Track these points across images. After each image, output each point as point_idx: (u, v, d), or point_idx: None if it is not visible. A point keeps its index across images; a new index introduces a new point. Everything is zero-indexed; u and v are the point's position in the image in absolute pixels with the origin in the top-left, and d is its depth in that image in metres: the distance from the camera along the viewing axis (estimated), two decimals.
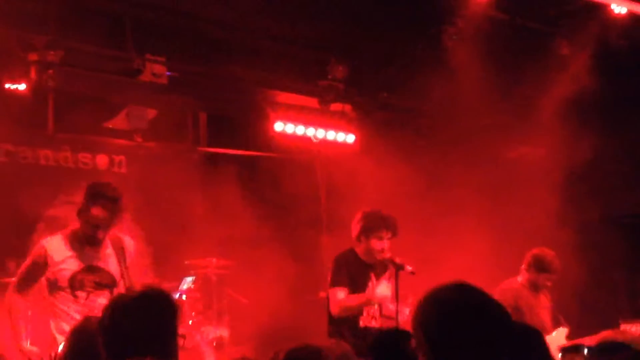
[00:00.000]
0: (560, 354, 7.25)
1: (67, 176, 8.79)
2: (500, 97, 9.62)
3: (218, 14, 8.80)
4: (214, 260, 8.51)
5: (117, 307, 3.27)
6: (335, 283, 6.40)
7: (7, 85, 7.70)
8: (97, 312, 5.41)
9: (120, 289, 5.60)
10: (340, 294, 6.33)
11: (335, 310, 6.37)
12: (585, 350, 6.82)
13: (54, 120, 8.57)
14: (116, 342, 3.17)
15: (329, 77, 9.50)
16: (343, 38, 9.39)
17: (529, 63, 9.36)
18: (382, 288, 6.41)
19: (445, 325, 2.57)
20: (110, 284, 5.69)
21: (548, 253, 7.48)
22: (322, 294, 6.99)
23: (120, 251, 5.81)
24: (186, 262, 8.51)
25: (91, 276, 5.65)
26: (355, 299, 6.31)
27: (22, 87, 7.71)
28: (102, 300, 5.48)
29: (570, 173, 9.43)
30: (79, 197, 8.75)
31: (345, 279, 6.36)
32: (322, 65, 9.50)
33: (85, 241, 5.69)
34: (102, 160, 9.04)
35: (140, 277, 6.00)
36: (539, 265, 7.43)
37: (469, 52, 8.94)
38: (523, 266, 7.52)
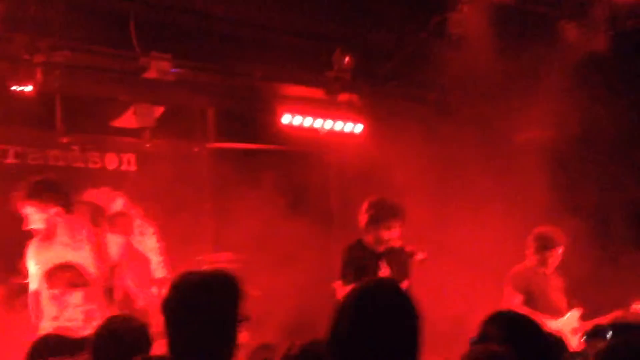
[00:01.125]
0: (584, 338, 7.24)
1: (76, 176, 8.83)
2: (508, 82, 9.59)
3: (222, 9, 8.80)
4: (226, 255, 8.52)
5: (183, 286, 3.14)
6: (342, 276, 6.42)
7: (13, 88, 7.72)
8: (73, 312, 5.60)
9: None
10: (346, 289, 6.33)
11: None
12: (609, 335, 6.81)
13: (62, 121, 8.59)
14: (179, 322, 3.05)
15: (335, 67, 9.49)
16: (348, 28, 9.38)
17: (536, 47, 9.32)
18: None
19: (344, 325, 2.57)
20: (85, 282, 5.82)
21: (549, 229, 7.48)
22: (333, 284, 7.00)
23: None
24: (198, 258, 8.53)
25: None
26: None
27: (28, 89, 7.72)
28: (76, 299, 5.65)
29: (581, 155, 9.40)
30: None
31: (351, 274, 6.34)
32: (328, 56, 9.49)
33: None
34: (111, 159, 9.07)
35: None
36: (545, 243, 7.42)
37: (474, 38, 8.92)
38: (529, 250, 7.51)
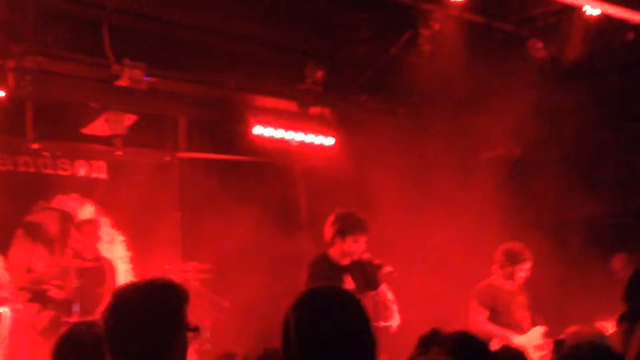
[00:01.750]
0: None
1: (46, 182, 8.80)
2: (476, 98, 9.71)
3: (196, 19, 8.84)
4: (194, 264, 8.53)
5: (119, 300, 3.01)
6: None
7: None
8: None
9: None
10: None
11: None
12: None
13: (33, 127, 8.56)
14: (120, 338, 2.93)
15: (307, 80, 9.55)
16: (321, 42, 9.46)
17: (504, 64, 9.45)
18: None
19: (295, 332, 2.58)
20: None
21: (516, 244, 7.56)
22: None
23: None
24: (167, 267, 8.53)
25: None
26: None
27: (0, 94, 7.70)
28: None
29: (546, 174, 9.52)
30: (58, 203, 8.83)
31: None
32: (301, 69, 9.55)
33: None
34: (81, 165, 9.05)
35: None
36: (512, 258, 7.49)
37: (445, 54, 9.02)
38: (495, 265, 7.58)
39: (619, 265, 9.43)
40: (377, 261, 6.47)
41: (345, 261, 6.49)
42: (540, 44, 9.19)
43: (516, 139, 9.82)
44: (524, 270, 7.53)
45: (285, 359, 2.59)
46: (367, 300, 6.54)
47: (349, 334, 2.56)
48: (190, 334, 3.02)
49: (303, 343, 2.56)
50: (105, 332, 2.97)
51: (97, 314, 7.76)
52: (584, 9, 8.55)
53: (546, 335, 7.48)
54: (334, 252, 6.51)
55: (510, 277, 7.54)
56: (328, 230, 6.53)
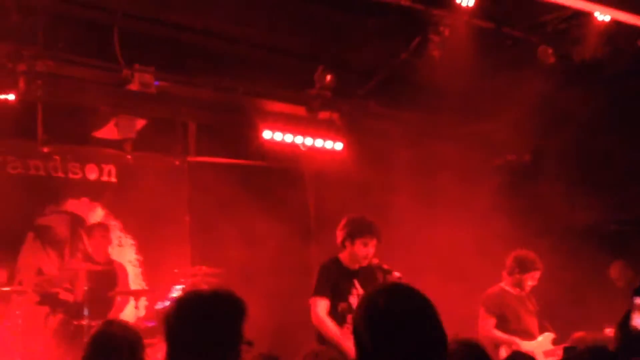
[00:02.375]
0: None
1: (56, 186, 8.83)
2: (485, 105, 9.71)
3: (206, 25, 8.87)
4: (204, 268, 8.54)
5: (184, 304, 3.12)
6: (316, 292, 6.44)
7: None
8: None
9: None
10: (321, 304, 6.37)
11: (313, 321, 6.42)
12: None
13: (43, 130, 8.58)
14: (180, 340, 3.03)
15: (317, 85, 9.57)
16: (330, 47, 9.47)
17: (514, 71, 9.45)
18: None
19: (370, 331, 2.52)
20: None
21: (528, 252, 7.57)
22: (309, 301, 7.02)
23: None
24: (176, 270, 8.54)
25: None
26: (330, 331, 6.27)
27: (11, 97, 7.73)
28: None
29: (555, 180, 9.51)
30: (68, 206, 8.85)
31: (327, 289, 6.39)
32: (310, 74, 9.57)
33: None
34: (91, 169, 9.07)
35: None
36: (523, 266, 7.50)
37: (454, 60, 9.03)
38: (505, 272, 7.58)
39: (616, 273, 9.43)
40: (386, 266, 6.49)
41: (355, 265, 6.51)
42: (550, 50, 9.20)
43: (526, 145, 9.81)
44: (533, 279, 7.53)
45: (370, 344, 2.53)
46: None
47: (426, 332, 2.53)
48: (244, 347, 3.12)
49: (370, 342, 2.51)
50: (167, 335, 3.04)
51: (109, 317, 7.80)
52: (594, 15, 8.55)
53: (555, 341, 7.48)
54: (344, 257, 6.54)
55: (519, 284, 7.55)
56: (339, 234, 6.56)
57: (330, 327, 6.29)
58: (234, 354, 3.07)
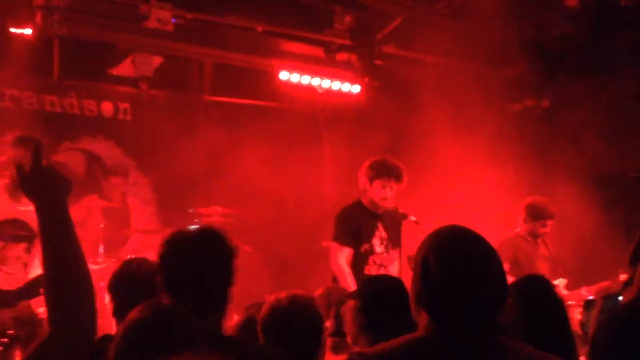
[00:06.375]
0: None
1: (72, 123, 8.80)
2: (506, 50, 9.60)
3: None
4: (218, 208, 8.56)
5: (174, 243, 3.21)
6: (336, 238, 6.40)
7: (12, 30, 7.67)
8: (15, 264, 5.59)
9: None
10: (342, 252, 6.31)
11: (332, 266, 6.37)
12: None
13: (60, 66, 8.54)
14: (175, 278, 3.12)
15: (335, 26, 9.47)
16: None
17: (536, 15, 9.32)
18: None
19: (430, 270, 2.53)
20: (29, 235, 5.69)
21: (541, 200, 7.55)
22: (325, 243, 7.01)
23: None
24: (190, 210, 8.56)
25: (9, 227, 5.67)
26: (347, 283, 6.07)
27: (27, 31, 7.68)
28: (18, 252, 5.58)
29: (575, 126, 9.43)
30: (84, 144, 8.84)
31: (347, 237, 6.34)
32: (329, 14, 9.46)
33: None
34: (107, 107, 9.02)
35: None
36: (534, 214, 7.51)
37: (475, 4, 8.90)
38: (520, 218, 7.60)
39: None
40: (402, 210, 6.47)
41: (378, 209, 6.48)
42: None
43: (545, 91, 9.70)
44: (545, 227, 7.53)
45: (424, 292, 2.55)
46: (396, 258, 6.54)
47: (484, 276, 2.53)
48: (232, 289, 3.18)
49: (445, 280, 2.51)
50: (161, 274, 3.14)
51: (122, 255, 7.85)
52: None
53: (567, 287, 7.50)
54: (367, 200, 6.50)
55: (532, 231, 7.55)
56: (361, 178, 6.51)
57: (348, 279, 6.19)
58: (228, 288, 3.17)
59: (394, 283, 3.94)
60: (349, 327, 3.93)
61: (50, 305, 2.31)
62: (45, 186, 2.40)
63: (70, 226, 2.39)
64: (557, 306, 3.47)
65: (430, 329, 2.52)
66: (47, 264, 2.33)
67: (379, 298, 3.81)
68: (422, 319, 2.56)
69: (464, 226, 2.66)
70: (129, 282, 3.58)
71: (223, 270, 3.18)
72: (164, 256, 3.19)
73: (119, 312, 3.48)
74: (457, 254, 2.53)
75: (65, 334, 2.26)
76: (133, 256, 6.19)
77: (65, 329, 2.27)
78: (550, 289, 3.55)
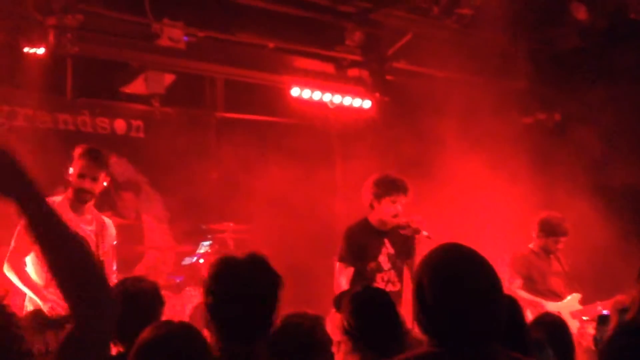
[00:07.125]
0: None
1: (85, 140, 8.79)
2: (516, 64, 9.60)
3: None
4: (231, 224, 8.58)
5: (223, 268, 3.22)
6: (341, 258, 6.37)
7: (25, 49, 7.73)
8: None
9: None
10: (345, 272, 6.27)
11: (334, 286, 6.34)
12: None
13: (73, 85, 8.60)
14: (222, 304, 3.14)
15: (347, 42, 9.51)
16: (360, 3, 9.37)
17: (546, 29, 9.33)
18: None
19: (429, 288, 2.58)
20: None
21: (555, 216, 7.52)
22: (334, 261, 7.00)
23: (100, 230, 5.84)
24: (203, 227, 8.58)
25: None
26: None
27: (40, 51, 7.73)
28: None
29: (587, 139, 9.40)
30: None
31: (351, 256, 6.30)
32: (340, 31, 9.50)
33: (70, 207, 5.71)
34: (120, 124, 9.07)
35: (111, 265, 6.02)
36: (547, 230, 7.48)
37: (484, 19, 8.91)
38: (533, 233, 7.57)
39: None
40: (414, 224, 6.44)
41: (385, 226, 6.45)
42: (582, 7, 9.04)
43: (557, 104, 9.69)
44: (558, 243, 7.50)
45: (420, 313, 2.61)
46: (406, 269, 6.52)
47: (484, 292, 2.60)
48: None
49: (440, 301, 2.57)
50: (207, 303, 3.16)
51: (136, 272, 7.86)
52: None
53: (582, 302, 7.46)
54: (373, 218, 6.47)
55: (544, 247, 7.53)
56: (365, 196, 6.48)
57: None
58: (272, 315, 3.20)
59: (377, 295, 3.97)
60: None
61: (66, 298, 2.30)
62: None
63: (55, 213, 2.33)
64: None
65: (432, 344, 2.59)
66: (47, 253, 2.29)
67: (362, 312, 3.81)
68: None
69: (459, 245, 2.70)
70: (123, 301, 3.58)
71: (271, 297, 3.21)
72: (215, 281, 3.20)
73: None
74: (449, 276, 2.58)
75: (84, 317, 2.25)
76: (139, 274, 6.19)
77: (83, 314, 2.25)
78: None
